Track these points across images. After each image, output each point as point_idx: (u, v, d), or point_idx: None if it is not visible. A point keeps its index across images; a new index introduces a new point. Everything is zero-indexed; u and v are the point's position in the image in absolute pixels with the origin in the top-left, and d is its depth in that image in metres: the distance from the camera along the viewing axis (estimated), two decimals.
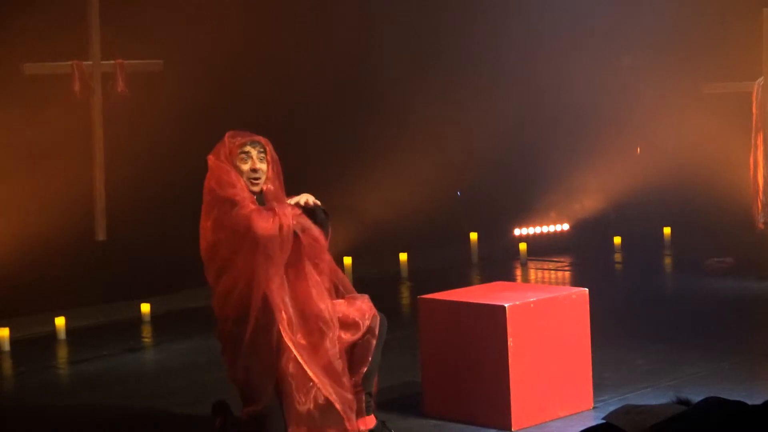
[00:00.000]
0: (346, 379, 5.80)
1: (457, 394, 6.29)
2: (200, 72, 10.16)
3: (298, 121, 10.85)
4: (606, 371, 6.97)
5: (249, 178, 5.86)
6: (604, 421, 3.32)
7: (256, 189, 5.89)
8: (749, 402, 3.28)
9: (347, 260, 9.91)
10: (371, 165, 11.08)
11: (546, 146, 12.13)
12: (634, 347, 7.79)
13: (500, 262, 11.34)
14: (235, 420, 5.96)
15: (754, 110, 10.44)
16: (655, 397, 6.52)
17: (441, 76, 11.77)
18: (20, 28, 9.29)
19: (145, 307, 9.42)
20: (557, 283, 10.56)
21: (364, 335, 5.90)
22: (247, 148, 5.88)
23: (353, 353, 5.90)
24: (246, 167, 5.86)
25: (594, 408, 6.41)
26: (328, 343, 5.77)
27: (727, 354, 7.50)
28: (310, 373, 5.71)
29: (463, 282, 9.20)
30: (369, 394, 5.91)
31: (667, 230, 11.57)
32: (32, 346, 8.82)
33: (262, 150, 5.93)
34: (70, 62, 9.34)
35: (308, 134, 10.94)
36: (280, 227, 5.71)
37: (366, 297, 6.03)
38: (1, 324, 8.75)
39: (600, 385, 6.59)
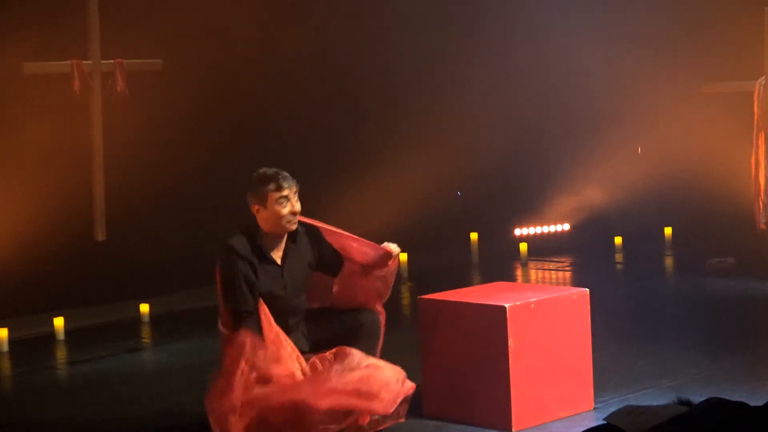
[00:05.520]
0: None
1: (457, 394, 6.27)
2: (200, 72, 10.15)
3: (298, 122, 10.83)
4: (607, 372, 6.94)
5: (287, 222, 5.92)
6: (605, 422, 3.31)
7: (292, 228, 5.96)
8: (751, 402, 3.26)
9: None
10: (371, 165, 11.06)
11: (547, 146, 12.12)
12: (635, 348, 7.78)
13: (501, 262, 11.33)
14: None
15: (755, 110, 10.43)
16: (656, 397, 6.50)
17: (441, 76, 11.75)
18: (20, 28, 9.27)
19: (144, 308, 9.41)
20: (558, 284, 10.54)
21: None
22: (285, 192, 5.90)
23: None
24: (286, 211, 5.91)
25: (595, 409, 6.39)
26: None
27: (729, 354, 7.48)
28: None
29: (463, 282, 9.19)
30: None
31: (668, 230, 11.55)
32: (31, 347, 8.81)
33: (295, 187, 5.97)
34: (69, 61, 9.32)
35: (309, 134, 10.92)
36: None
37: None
38: (0, 324, 8.73)
39: (601, 385, 6.57)
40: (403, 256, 10.76)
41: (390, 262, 6.17)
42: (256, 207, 5.93)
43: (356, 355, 5.82)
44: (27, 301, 9.35)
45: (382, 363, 5.89)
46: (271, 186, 5.90)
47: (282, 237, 6.00)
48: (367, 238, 6.30)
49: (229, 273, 5.87)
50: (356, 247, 6.16)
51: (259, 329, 5.81)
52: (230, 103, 10.40)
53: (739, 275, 10.18)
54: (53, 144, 9.42)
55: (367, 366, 5.79)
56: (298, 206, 5.94)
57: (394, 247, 6.14)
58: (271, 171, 5.96)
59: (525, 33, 11.86)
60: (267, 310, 5.87)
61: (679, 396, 3.37)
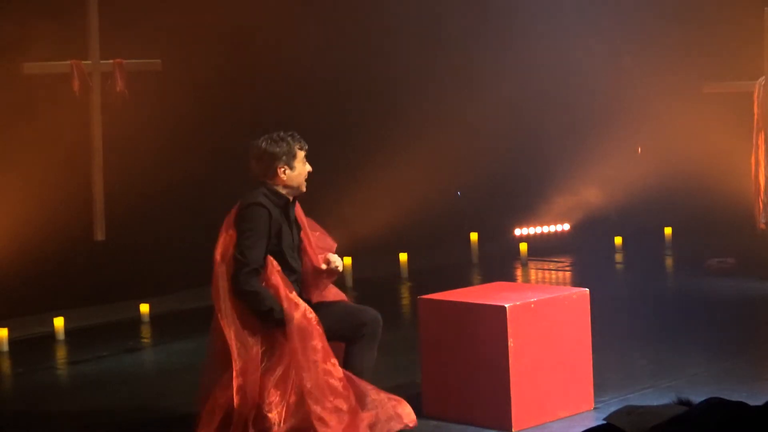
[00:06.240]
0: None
1: (457, 394, 6.27)
2: (199, 72, 10.15)
3: (298, 122, 10.82)
4: (607, 372, 6.94)
5: (305, 180, 6.08)
6: (605, 422, 3.30)
7: (304, 190, 6.09)
8: (750, 402, 3.26)
9: (347, 260, 9.87)
10: (372, 165, 11.06)
11: (547, 146, 12.12)
12: (635, 348, 7.78)
13: (500, 262, 11.33)
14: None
15: (755, 110, 10.42)
16: (656, 397, 6.50)
17: (442, 76, 11.75)
18: (20, 28, 9.28)
19: (144, 308, 9.41)
20: (558, 284, 10.54)
21: None
22: (305, 152, 6.11)
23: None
24: (307, 169, 6.10)
25: (595, 409, 6.39)
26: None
27: (729, 354, 7.48)
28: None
29: (463, 282, 9.18)
30: None
31: (668, 230, 11.55)
32: (31, 347, 8.81)
33: None
34: (69, 62, 9.32)
35: (308, 134, 10.89)
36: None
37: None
38: (0, 324, 8.73)
39: (601, 385, 6.57)
40: (403, 256, 10.77)
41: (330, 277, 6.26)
42: (283, 167, 6.02)
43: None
44: (27, 301, 9.35)
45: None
46: (298, 145, 6.08)
47: (290, 198, 6.09)
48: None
49: (254, 228, 5.87)
50: (310, 252, 6.20)
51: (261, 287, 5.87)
52: (229, 104, 10.40)
53: (739, 275, 10.18)
54: (53, 144, 9.42)
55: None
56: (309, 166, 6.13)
57: (339, 265, 6.18)
58: (288, 132, 6.13)
59: (526, 33, 11.86)
60: (281, 272, 5.92)
61: (679, 396, 3.36)
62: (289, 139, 6.07)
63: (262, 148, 6.04)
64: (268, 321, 5.82)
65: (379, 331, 6.11)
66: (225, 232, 5.98)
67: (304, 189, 6.11)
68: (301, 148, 6.08)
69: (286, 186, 6.04)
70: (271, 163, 6.02)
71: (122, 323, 9.42)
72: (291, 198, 6.10)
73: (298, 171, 6.04)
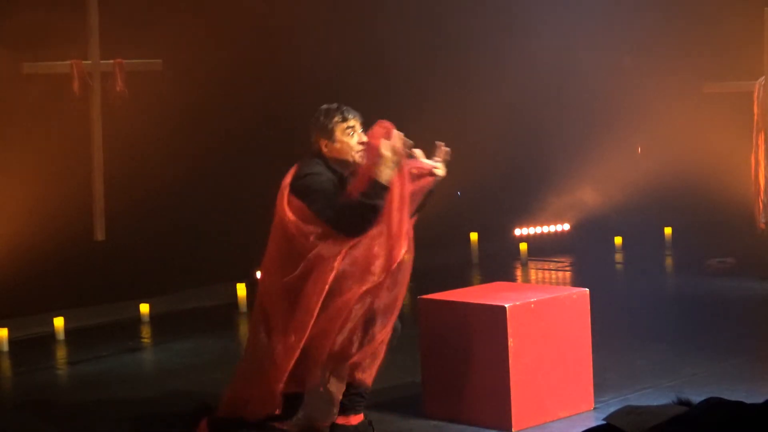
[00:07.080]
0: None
1: (457, 394, 6.27)
2: (199, 71, 10.15)
3: (297, 122, 10.81)
4: (607, 372, 6.95)
5: (356, 152, 5.92)
6: (604, 422, 3.30)
7: (359, 159, 5.92)
8: (750, 402, 3.26)
9: None
10: None
11: (547, 146, 12.12)
12: (634, 348, 7.78)
13: (500, 262, 11.33)
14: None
15: (755, 110, 10.43)
16: (656, 397, 6.50)
17: (442, 76, 11.74)
18: (20, 28, 9.28)
19: (144, 308, 9.41)
20: (558, 284, 10.54)
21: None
22: (351, 123, 5.97)
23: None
24: (353, 141, 5.94)
25: (595, 409, 6.39)
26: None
27: (728, 354, 7.48)
28: None
29: (463, 282, 9.18)
30: (360, 394, 5.92)
31: (668, 230, 11.55)
32: (31, 347, 8.81)
33: (360, 119, 6.04)
34: (69, 62, 9.32)
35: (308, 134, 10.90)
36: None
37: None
38: (0, 324, 8.73)
39: (601, 385, 6.57)
40: None
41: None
42: (324, 141, 5.94)
43: None
44: (27, 301, 9.35)
45: None
46: (337, 118, 5.97)
47: (344, 169, 5.95)
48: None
49: (319, 188, 5.75)
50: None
51: None
52: (229, 103, 10.39)
53: (739, 275, 10.18)
54: (53, 144, 9.42)
55: None
56: (364, 137, 5.95)
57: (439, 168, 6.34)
58: (333, 105, 6.04)
59: (525, 33, 11.86)
60: None
61: (679, 396, 3.37)
62: (325, 111, 5.99)
63: (310, 122, 6.01)
64: (379, 196, 5.69)
65: (395, 340, 6.12)
66: (280, 202, 5.83)
67: (356, 158, 5.91)
68: (342, 120, 5.95)
69: (335, 159, 5.92)
70: (313, 138, 5.97)
71: (122, 323, 9.42)
72: (345, 173, 5.92)
73: (339, 144, 5.91)
